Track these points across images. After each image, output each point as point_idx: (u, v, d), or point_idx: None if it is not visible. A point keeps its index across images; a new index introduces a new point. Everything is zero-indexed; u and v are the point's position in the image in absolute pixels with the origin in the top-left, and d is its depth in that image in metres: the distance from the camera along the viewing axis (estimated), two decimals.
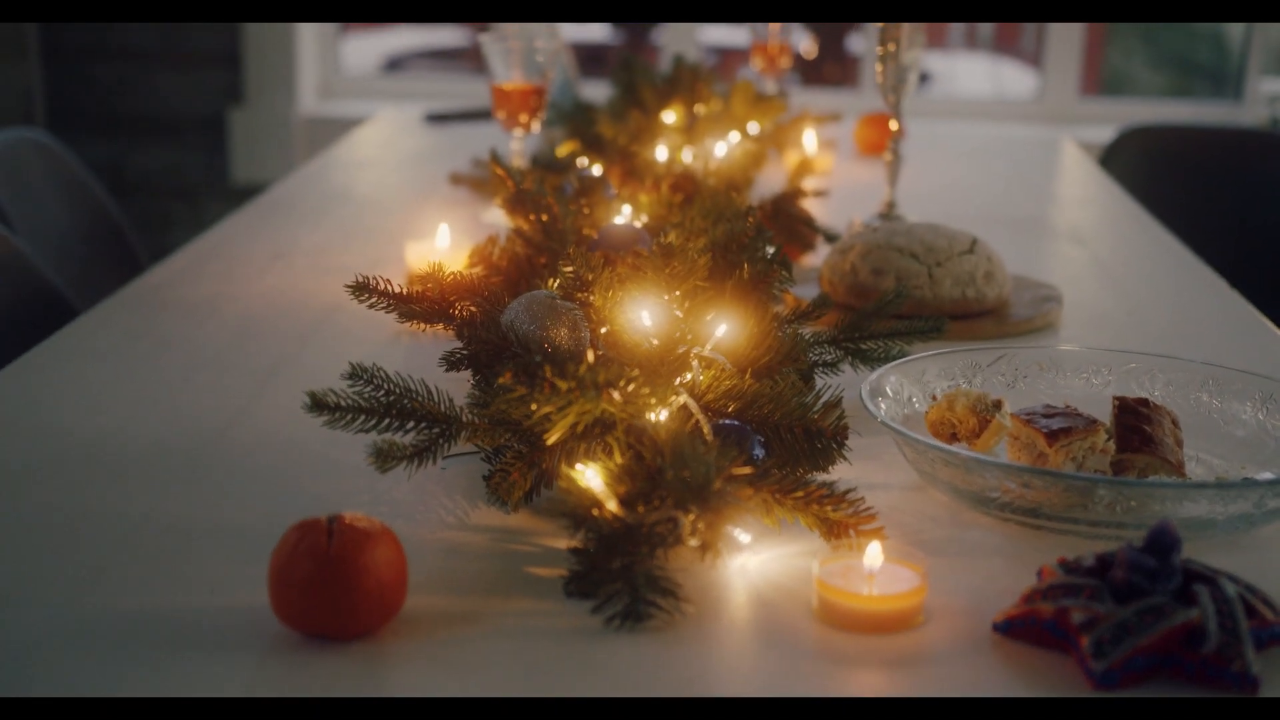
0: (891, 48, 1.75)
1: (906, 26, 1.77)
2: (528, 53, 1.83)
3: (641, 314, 1.05)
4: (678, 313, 1.06)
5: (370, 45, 5.31)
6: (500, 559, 0.96)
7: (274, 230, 1.81)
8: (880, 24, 1.75)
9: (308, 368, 1.33)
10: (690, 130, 1.91)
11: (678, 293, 1.07)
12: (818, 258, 1.69)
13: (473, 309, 1.15)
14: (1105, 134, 3.33)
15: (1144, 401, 1.08)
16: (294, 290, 1.55)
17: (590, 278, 1.08)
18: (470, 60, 5.64)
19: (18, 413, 1.20)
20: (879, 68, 1.76)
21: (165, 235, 3.51)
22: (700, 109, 2.02)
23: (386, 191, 2.05)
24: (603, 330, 1.08)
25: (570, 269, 1.09)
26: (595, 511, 0.94)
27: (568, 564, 0.92)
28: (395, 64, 5.29)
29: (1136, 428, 1.05)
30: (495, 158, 1.57)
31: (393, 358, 1.32)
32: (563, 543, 0.96)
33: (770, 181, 1.92)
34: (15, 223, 2.01)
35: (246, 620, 0.87)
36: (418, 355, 1.33)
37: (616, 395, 0.97)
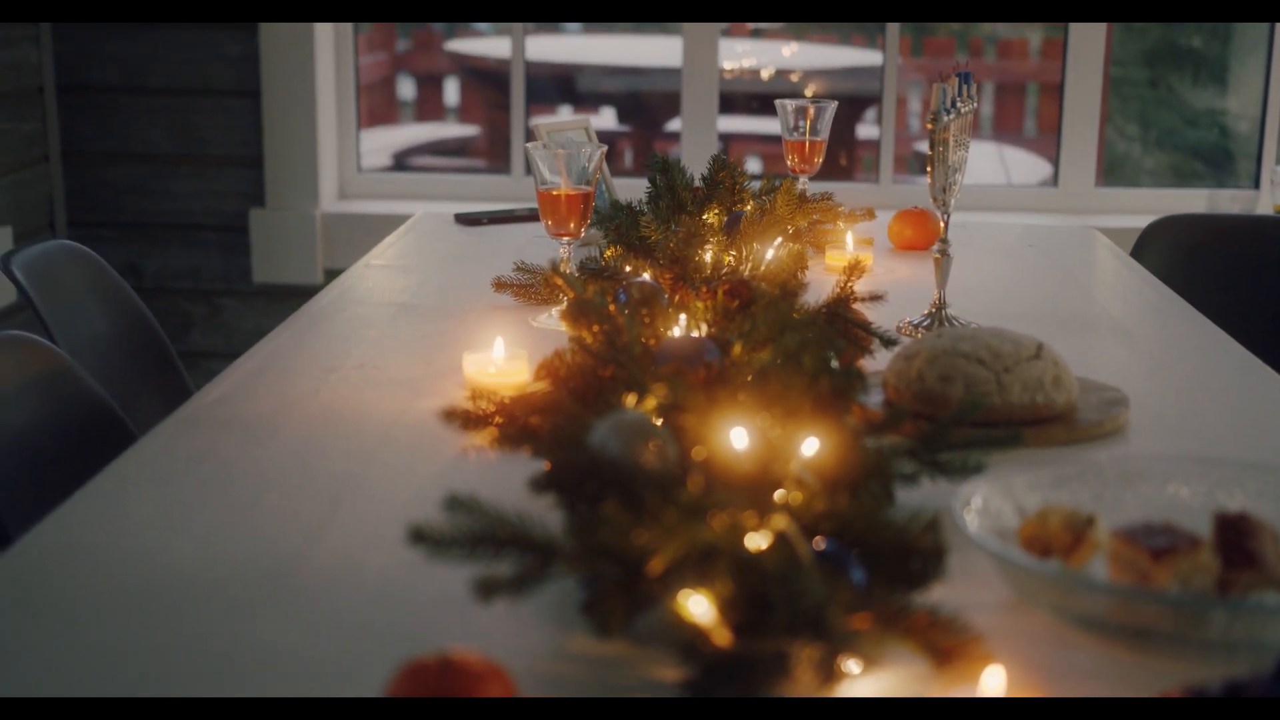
0: (940, 150, 1.76)
1: (954, 126, 1.77)
2: (573, 159, 1.83)
3: (737, 435, 1.04)
4: (772, 433, 1.05)
5: (379, 139, 5.35)
6: (603, 691, 0.94)
7: (322, 342, 1.80)
8: (929, 125, 1.75)
9: (376, 485, 1.31)
10: (734, 233, 1.91)
11: (771, 413, 1.06)
12: (875, 362, 1.68)
13: (554, 429, 1.14)
14: (1121, 222, 3.34)
15: (1243, 516, 1.06)
16: (350, 406, 1.53)
17: (684, 400, 1.07)
18: (479, 152, 5.69)
19: (92, 540, 1.18)
20: (929, 169, 1.76)
21: (185, 338, 3.50)
22: (743, 209, 2.01)
23: (428, 297, 2.04)
24: (696, 452, 1.06)
25: (666, 393, 1.08)
26: (702, 642, 0.92)
27: (675, 696, 0.90)
28: (403, 157, 5.32)
29: (1240, 545, 1.03)
30: (555, 268, 1.57)
31: (462, 476, 1.30)
32: (666, 672, 0.95)
33: (815, 283, 1.91)
34: (55, 333, 2.00)
35: None
36: (487, 473, 1.32)
37: (719, 521, 0.96)
